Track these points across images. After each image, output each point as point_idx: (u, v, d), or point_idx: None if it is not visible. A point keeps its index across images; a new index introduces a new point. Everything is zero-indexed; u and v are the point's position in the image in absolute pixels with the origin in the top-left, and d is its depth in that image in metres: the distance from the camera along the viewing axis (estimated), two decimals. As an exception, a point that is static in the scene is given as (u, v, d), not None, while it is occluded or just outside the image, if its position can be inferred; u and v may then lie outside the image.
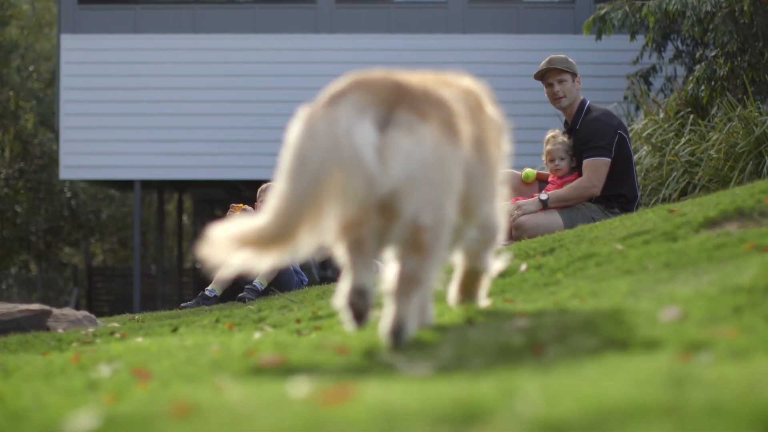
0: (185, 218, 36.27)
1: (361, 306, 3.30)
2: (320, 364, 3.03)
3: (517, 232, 7.43)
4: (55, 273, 33.64)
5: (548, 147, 7.92)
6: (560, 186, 7.80)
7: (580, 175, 7.77)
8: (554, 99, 8.00)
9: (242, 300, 7.52)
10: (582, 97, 8.06)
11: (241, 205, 7.89)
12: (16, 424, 2.32)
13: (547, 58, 8.08)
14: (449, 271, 4.15)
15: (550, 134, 8.04)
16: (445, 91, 3.53)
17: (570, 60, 8.04)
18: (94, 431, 2.14)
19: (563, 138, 7.93)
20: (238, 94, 19.80)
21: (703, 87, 12.25)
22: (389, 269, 3.39)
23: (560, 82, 7.96)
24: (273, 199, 3.25)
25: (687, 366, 2.40)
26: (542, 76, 8.04)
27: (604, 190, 7.74)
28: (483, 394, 2.15)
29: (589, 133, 7.76)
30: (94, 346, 5.03)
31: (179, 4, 19.96)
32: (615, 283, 4.31)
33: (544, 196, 7.61)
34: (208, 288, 7.91)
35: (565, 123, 8.12)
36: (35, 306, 6.80)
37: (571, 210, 7.64)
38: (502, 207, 4.01)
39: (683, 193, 9.78)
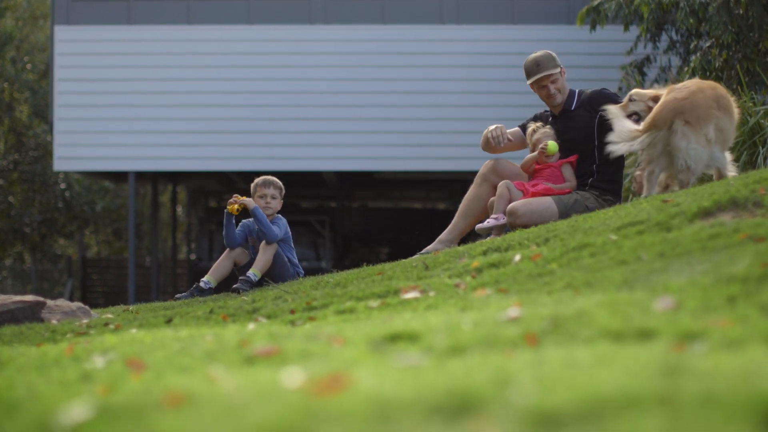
0: (179, 209, 36.24)
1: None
2: (314, 355, 3.03)
3: (511, 219, 7.41)
4: (49, 264, 33.60)
5: (536, 135, 7.87)
6: (551, 172, 7.78)
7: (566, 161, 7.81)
8: (549, 99, 7.96)
9: (236, 291, 7.51)
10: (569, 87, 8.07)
11: (243, 197, 7.87)
12: (10, 415, 2.32)
13: (532, 61, 7.92)
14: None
15: (532, 126, 8.01)
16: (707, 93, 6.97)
17: (552, 54, 7.95)
18: (87, 422, 2.14)
19: (549, 128, 7.91)
20: (232, 85, 19.77)
21: (697, 78, 12.24)
22: None
23: (553, 82, 7.93)
24: None
25: (681, 356, 2.40)
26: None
27: (603, 173, 7.77)
28: (477, 384, 2.15)
29: (605, 95, 7.77)
30: (88, 337, 5.03)
31: (173, -6, 19.94)
32: (609, 273, 4.31)
33: None
34: (203, 279, 7.89)
35: (551, 114, 8.07)
36: (29, 297, 6.79)
37: (565, 197, 7.64)
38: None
39: (677, 184, 9.77)
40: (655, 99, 7.30)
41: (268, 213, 7.92)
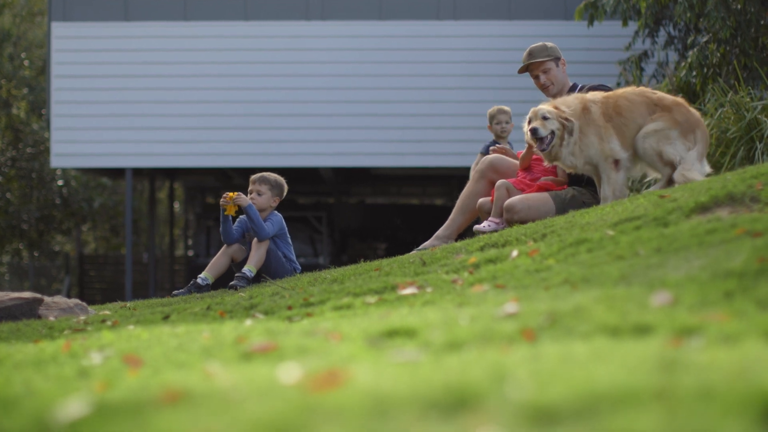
0: (177, 206, 36.23)
1: None
2: (311, 350, 3.02)
3: (508, 215, 7.41)
4: (47, 261, 33.61)
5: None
6: (547, 166, 7.78)
7: None
8: (543, 90, 8.02)
9: (233, 288, 7.52)
10: (572, 82, 8.09)
11: (235, 193, 7.86)
12: (7, 411, 2.32)
13: (527, 50, 8.04)
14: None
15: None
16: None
17: (549, 45, 7.99)
18: (84, 418, 2.13)
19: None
20: (229, 81, 19.77)
21: (695, 73, 12.26)
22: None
23: (544, 72, 7.95)
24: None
25: (678, 351, 2.40)
26: (526, 69, 8.03)
27: None
28: (474, 379, 2.15)
29: (603, 90, 7.77)
30: (86, 333, 5.02)
31: (170, -9, 19.93)
32: (606, 268, 4.31)
33: None
34: (200, 276, 7.89)
35: None
36: (27, 294, 6.79)
37: (562, 193, 7.63)
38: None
39: (675, 179, 9.78)
40: (561, 116, 7.23)
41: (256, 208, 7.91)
